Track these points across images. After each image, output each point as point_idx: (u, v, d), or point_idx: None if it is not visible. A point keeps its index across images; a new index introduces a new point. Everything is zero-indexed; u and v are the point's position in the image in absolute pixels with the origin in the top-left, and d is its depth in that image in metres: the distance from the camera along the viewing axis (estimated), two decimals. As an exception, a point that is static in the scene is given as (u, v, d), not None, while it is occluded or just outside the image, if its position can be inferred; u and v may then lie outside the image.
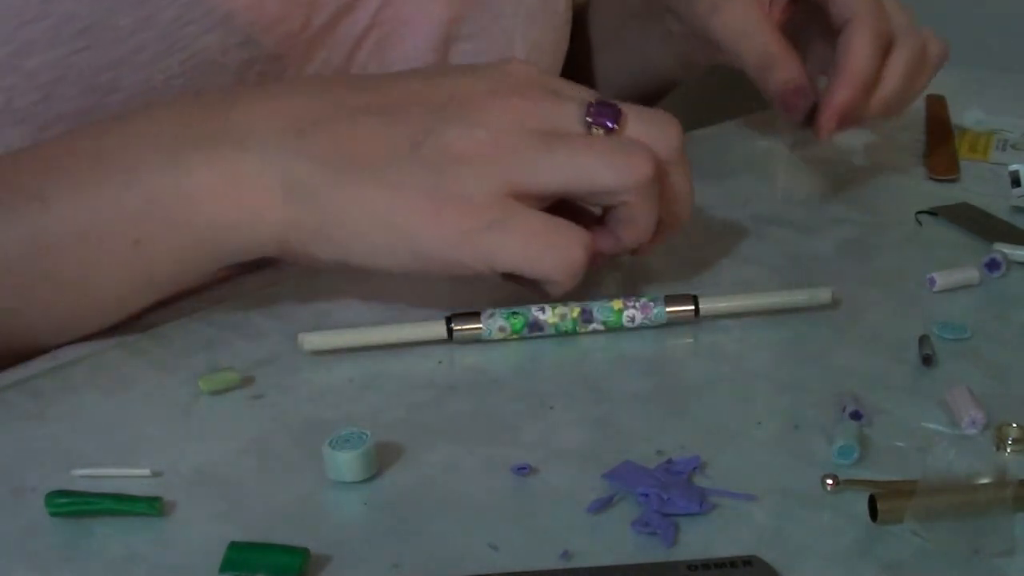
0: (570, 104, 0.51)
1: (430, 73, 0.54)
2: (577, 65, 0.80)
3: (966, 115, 0.82)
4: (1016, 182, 0.65)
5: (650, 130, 0.51)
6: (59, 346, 0.52)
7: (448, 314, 0.52)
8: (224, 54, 0.58)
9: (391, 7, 0.64)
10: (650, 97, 0.80)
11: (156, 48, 0.56)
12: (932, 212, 0.65)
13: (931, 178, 0.71)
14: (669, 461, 0.43)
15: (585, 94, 0.52)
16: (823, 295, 0.54)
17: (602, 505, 0.41)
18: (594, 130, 0.50)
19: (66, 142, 0.51)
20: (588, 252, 0.50)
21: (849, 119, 0.64)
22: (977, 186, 0.70)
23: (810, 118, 0.65)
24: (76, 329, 0.52)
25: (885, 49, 0.65)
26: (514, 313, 0.52)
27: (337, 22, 0.62)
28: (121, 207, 0.49)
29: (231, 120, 0.50)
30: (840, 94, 0.63)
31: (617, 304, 0.52)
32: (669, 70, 0.78)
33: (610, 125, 0.50)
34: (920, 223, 0.64)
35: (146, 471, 0.43)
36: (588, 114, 0.50)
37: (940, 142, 0.76)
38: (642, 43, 0.78)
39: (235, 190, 0.49)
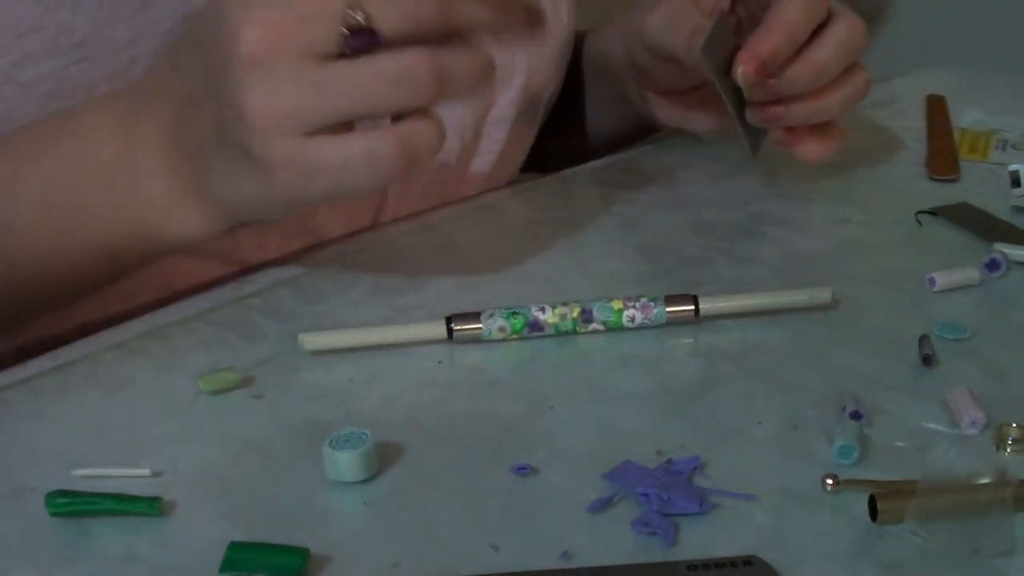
0: (319, 23, 0.47)
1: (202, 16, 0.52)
2: (573, 91, 0.80)
3: (966, 115, 0.82)
4: (1016, 182, 0.65)
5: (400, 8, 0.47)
6: (57, 346, 0.52)
7: (448, 314, 0.52)
8: None
9: None
10: (632, 135, 0.81)
11: (152, 59, 0.56)
12: (932, 212, 0.65)
13: (931, 178, 0.71)
14: (669, 461, 0.43)
15: (336, 15, 0.47)
16: (823, 295, 0.54)
17: (602, 505, 0.41)
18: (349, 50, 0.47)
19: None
20: (400, 152, 0.48)
21: (771, 72, 0.62)
22: (977, 186, 0.70)
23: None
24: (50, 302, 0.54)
25: (820, 17, 0.64)
26: (514, 313, 0.52)
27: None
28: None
29: (137, 143, 0.53)
30: (762, 39, 0.62)
31: (617, 304, 0.52)
32: (632, 125, 0.79)
33: (366, 44, 0.47)
34: (920, 223, 0.64)
35: (146, 471, 0.43)
36: (347, 45, 0.47)
37: (940, 142, 0.76)
38: (605, 101, 0.80)
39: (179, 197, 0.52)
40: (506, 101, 0.70)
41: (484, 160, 0.70)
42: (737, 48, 0.63)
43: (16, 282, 0.53)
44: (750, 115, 0.65)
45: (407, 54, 0.47)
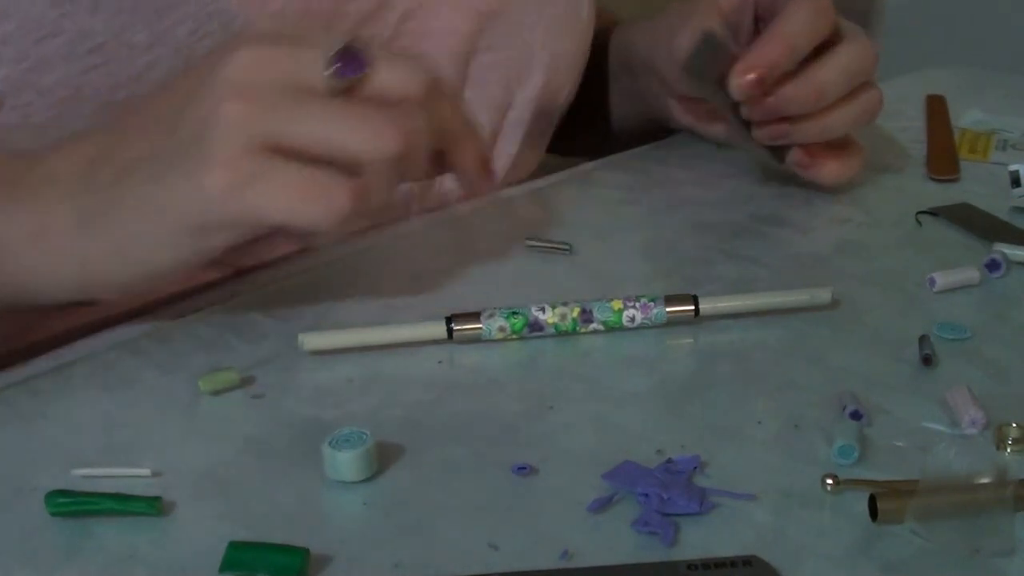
0: (312, 51, 0.48)
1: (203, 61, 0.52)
2: (598, 87, 0.80)
3: (966, 115, 0.82)
4: (1016, 182, 0.65)
5: (397, 75, 0.49)
6: (57, 346, 0.52)
7: (448, 314, 0.52)
8: None
9: (414, 20, 0.64)
10: (649, 130, 0.80)
11: (170, 63, 0.56)
12: (932, 212, 0.65)
13: (931, 178, 0.71)
14: (669, 461, 0.43)
15: (334, 43, 0.49)
16: (823, 295, 0.54)
17: (602, 505, 0.41)
18: (338, 80, 0.48)
19: None
20: (352, 195, 0.47)
21: (767, 86, 0.61)
22: (977, 186, 0.70)
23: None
24: None
25: (824, 32, 0.62)
26: (514, 313, 0.52)
27: (358, 32, 0.62)
28: None
29: (42, 168, 0.50)
30: (760, 52, 0.60)
31: (617, 304, 0.52)
32: (648, 120, 0.79)
33: (352, 74, 0.48)
34: (920, 223, 0.64)
35: (146, 471, 0.43)
36: (336, 59, 0.48)
37: (940, 142, 0.76)
38: (627, 96, 0.79)
39: (34, 235, 0.49)
40: (524, 102, 0.69)
41: (500, 163, 0.69)
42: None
43: None
44: (756, 133, 0.64)
45: (381, 109, 0.48)
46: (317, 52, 0.48)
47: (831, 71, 0.62)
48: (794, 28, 0.61)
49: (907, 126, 0.79)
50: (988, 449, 0.44)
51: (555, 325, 0.52)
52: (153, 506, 0.41)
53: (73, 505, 0.41)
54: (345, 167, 0.48)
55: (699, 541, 0.40)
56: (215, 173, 0.46)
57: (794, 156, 0.65)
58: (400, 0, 0.63)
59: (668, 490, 0.41)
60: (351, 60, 0.48)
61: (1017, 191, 0.65)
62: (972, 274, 0.57)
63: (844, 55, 0.62)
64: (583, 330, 0.52)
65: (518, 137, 0.70)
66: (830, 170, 0.66)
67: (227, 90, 0.47)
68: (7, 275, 0.50)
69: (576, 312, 0.52)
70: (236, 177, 0.46)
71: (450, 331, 0.51)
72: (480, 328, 0.52)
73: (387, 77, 0.49)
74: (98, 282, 0.50)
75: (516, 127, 0.70)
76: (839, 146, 0.67)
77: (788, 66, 0.61)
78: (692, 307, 0.53)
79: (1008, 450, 0.44)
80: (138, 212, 0.48)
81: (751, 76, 0.60)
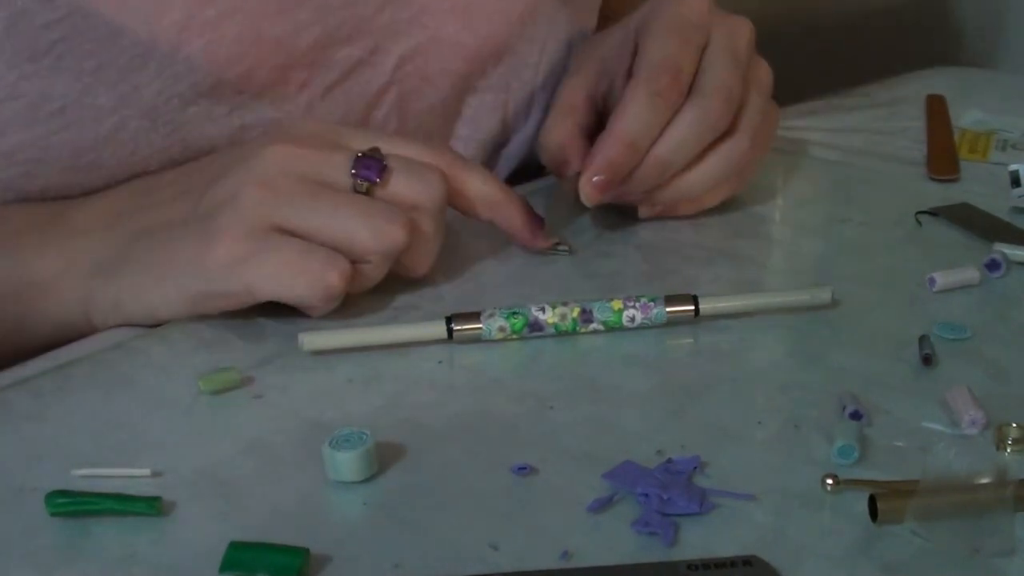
0: (339, 155, 0.52)
1: (233, 144, 0.57)
2: None
3: (966, 115, 0.82)
4: (1016, 182, 0.65)
5: (413, 184, 0.53)
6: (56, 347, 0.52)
7: (448, 314, 0.52)
8: (213, 123, 0.57)
9: (411, 63, 0.63)
10: None
11: (139, 124, 0.55)
12: (932, 212, 0.65)
13: (931, 178, 0.71)
14: (669, 461, 0.43)
15: (360, 145, 0.53)
16: (823, 295, 0.54)
17: (602, 505, 0.41)
18: (358, 183, 0.52)
19: None
20: (343, 277, 0.51)
21: (617, 183, 0.58)
22: (977, 186, 0.69)
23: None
24: None
25: (671, 110, 0.58)
26: (514, 313, 0.52)
27: (349, 79, 0.61)
28: None
29: (74, 214, 0.55)
30: (601, 151, 0.57)
31: (617, 304, 0.52)
32: None
33: (373, 179, 0.52)
34: (920, 223, 0.64)
35: (146, 471, 0.43)
36: (353, 166, 0.52)
37: (940, 142, 0.76)
38: None
39: (57, 275, 0.53)
40: (519, 141, 0.69)
41: None
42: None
43: None
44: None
45: (390, 206, 0.52)
46: (344, 155, 0.52)
47: (669, 145, 0.58)
48: (630, 124, 0.57)
49: (907, 126, 0.79)
50: (988, 449, 0.44)
51: (555, 325, 0.52)
52: (153, 506, 0.41)
53: (73, 505, 0.41)
54: (348, 254, 0.51)
55: (699, 541, 0.40)
56: (216, 248, 0.50)
57: (644, 213, 0.63)
58: (395, 45, 0.62)
59: (668, 490, 0.41)
60: (370, 166, 0.52)
61: (1017, 191, 0.65)
62: (972, 274, 0.57)
63: (679, 126, 0.58)
64: (583, 330, 0.52)
65: (507, 169, 0.70)
66: (686, 210, 0.64)
67: (252, 177, 0.50)
68: (37, 310, 0.54)
69: (576, 312, 0.52)
70: (235, 253, 0.50)
71: (450, 331, 0.51)
72: (480, 328, 0.52)
73: (404, 184, 0.52)
74: (97, 321, 0.53)
75: (508, 162, 0.70)
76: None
77: (634, 161, 0.58)
78: (692, 307, 0.53)
79: (1008, 450, 0.44)
80: (145, 271, 0.52)
81: (597, 180, 0.57)
